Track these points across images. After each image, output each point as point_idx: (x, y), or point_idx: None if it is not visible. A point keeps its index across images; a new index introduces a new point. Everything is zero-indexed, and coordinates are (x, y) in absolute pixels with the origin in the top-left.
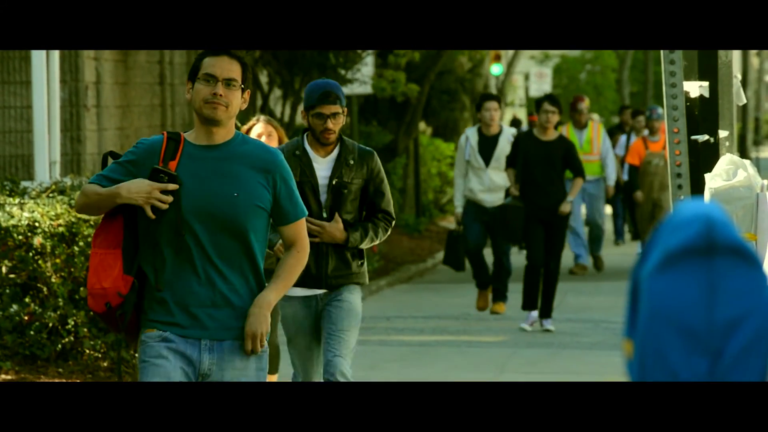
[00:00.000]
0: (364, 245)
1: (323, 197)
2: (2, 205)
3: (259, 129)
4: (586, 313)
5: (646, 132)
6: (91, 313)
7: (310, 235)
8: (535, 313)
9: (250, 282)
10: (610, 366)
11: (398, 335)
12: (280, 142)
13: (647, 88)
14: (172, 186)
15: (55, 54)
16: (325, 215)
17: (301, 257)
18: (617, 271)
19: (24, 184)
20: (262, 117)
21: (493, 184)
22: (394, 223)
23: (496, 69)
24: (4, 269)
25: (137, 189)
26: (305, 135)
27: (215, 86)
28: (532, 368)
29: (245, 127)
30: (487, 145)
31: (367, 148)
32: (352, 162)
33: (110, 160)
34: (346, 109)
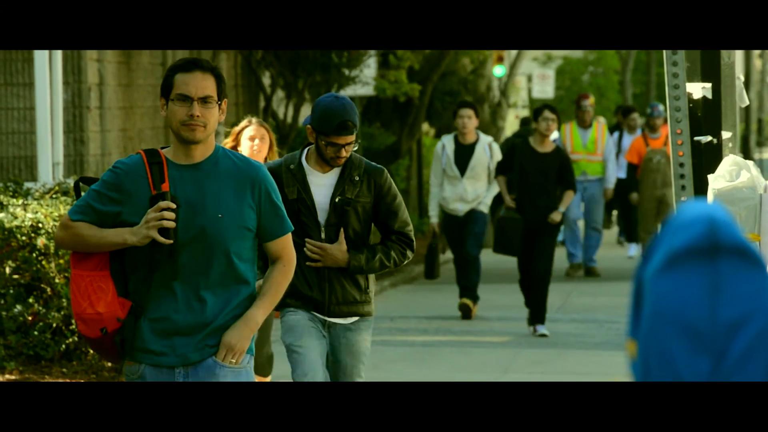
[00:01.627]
0: (372, 270)
1: (321, 216)
2: (6, 206)
3: (251, 132)
4: (591, 314)
5: (638, 131)
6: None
7: (311, 260)
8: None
9: (233, 305)
10: (614, 366)
11: (402, 335)
12: (271, 145)
13: (650, 89)
14: (166, 203)
15: (58, 56)
16: (323, 236)
17: (287, 271)
18: (621, 272)
19: (27, 185)
20: (254, 119)
21: (465, 193)
22: (414, 245)
23: (498, 70)
24: (7, 270)
25: (138, 226)
26: (306, 149)
27: (191, 107)
28: (536, 368)
29: (237, 129)
30: (464, 154)
31: (376, 164)
32: (357, 178)
33: (83, 187)
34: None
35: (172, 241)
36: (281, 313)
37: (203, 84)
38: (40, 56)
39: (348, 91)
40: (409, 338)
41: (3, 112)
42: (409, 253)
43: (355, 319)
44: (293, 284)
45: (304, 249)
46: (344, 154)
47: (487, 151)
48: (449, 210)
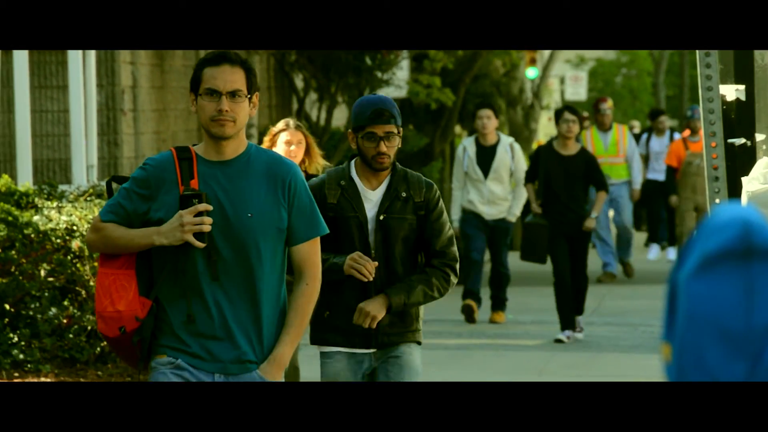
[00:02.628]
0: (416, 303)
1: (372, 236)
2: (40, 209)
3: (287, 136)
4: (625, 317)
5: (667, 133)
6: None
7: (356, 291)
8: (578, 326)
9: (264, 312)
10: (648, 369)
11: (436, 339)
12: (308, 149)
13: (683, 91)
14: (203, 206)
15: (92, 58)
16: (373, 255)
17: (311, 291)
18: (655, 275)
19: (61, 187)
20: (291, 122)
21: (492, 195)
22: (457, 267)
23: (531, 72)
24: (42, 273)
25: (170, 227)
26: (353, 161)
27: (220, 101)
28: (570, 371)
29: (275, 129)
30: (485, 156)
31: (426, 178)
32: (404, 194)
33: (115, 186)
34: (401, 129)
35: (205, 245)
36: (321, 357)
37: (232, 78)
38: (74, 59)
39: (380, 93)
40: (443, 341)
41: (37, 114)
42: (453, 279)
43: (404, 348)
44: (332, 316)
45: (348, 259)
46: (385, 149)
47: (509, 152)
48: (477, 213)
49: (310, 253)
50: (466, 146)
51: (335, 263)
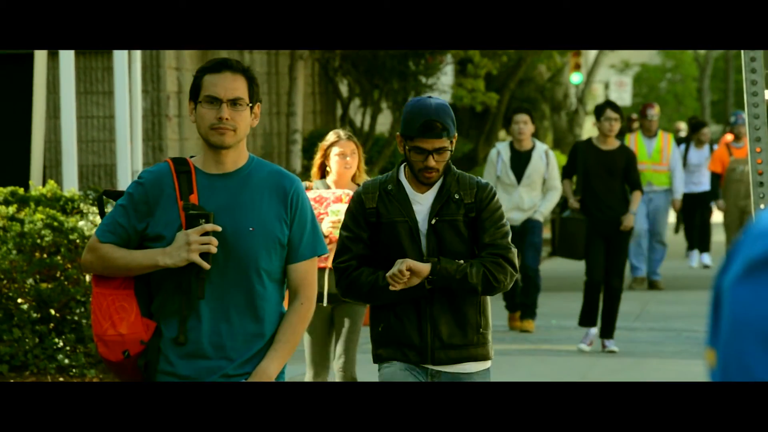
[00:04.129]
0: (468, 280)
1: (423, 241)
2: (86, 214)
3: (340, 148)
4: (668, 322)
5: (707, 146)
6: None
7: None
8: (593, 331)
9: (266, 328)
10: (692, 375)
11: None
12: (359, 160)
13: (728, 96)
14: (211, 227)
15: (137, 64)
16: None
17: (305, 311)
18: (698, 280)
19: None
20: (342, 133)
21: (522, 202)
22: (513, 257)
23: (576, 78)
24: (87, 278)
25: (176, 247)
26: (402, 166)
27: (219, 109)
28: (613, 377)
29: (325, 144)
30: (519, 161)
31: (481, 179)
32: (457, 197)
33: (107, 202)
34: (456, 136)
35: (209, 267)
36: (379, 369)
37: (233, 85)
38: (120, 64)
39: None
40: None
41: (83, 120)
42: (509, 268)
43: (468, 365)
44: (386, 328)
45: (387, 275)
46: (433, 164)
47: (544, 159)
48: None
49: (308, 272)
50: (500, 150)
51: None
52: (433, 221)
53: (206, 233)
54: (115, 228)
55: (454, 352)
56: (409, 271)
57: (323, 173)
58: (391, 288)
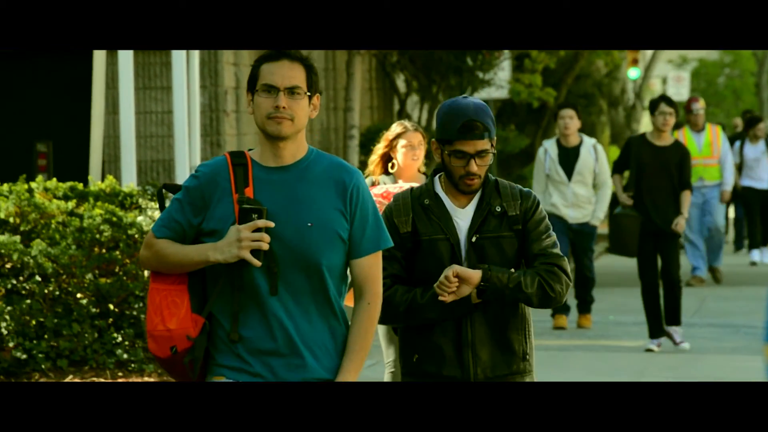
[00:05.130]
0: (523, 289)
1: (465, 261)
2: (144, 210)
3: (407, 139)
4: (727, 318)
5: (762, 142)
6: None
7: (441, 314)
8: (664, 338)
9: (324, 327)
10: (751, 371)
11: (537, 339)
12: (426, 153)
13: None
14: (264, 223)
15: (195, 59)
16: None
17: (373, 312)
18: (758, 276)
19: None
20: (409, 124)
21: (576, 198)
22: (566, 265)
23: (633, 73)
24: (146, 273)
25: (227, 243)
26: (438, 177)
27: (277, 98)
28: (671, 373)
29: (391, 134)
30: (568, 158)
31: (522, 188)
32: (499, 209)
33: (167, 196)
34: (495, 140)
35: (261, 264)
36: None
37: (290, 74)
38: (178, 60)
39: (482, 95)
40: (544, 342)
41: (141, 115)
42: (563, 277)
43: None
44: (422, 359)
45: (435, 286)
46: (475, 169)
47: (592, 154)
48: (559, 216)
49: (372, 267)
50: (547, 148)
51: (428, 300)
52: (474, 238)
53: (258, 229)
54: (170, 223)
55: (498, 379)
56: (457, 278)
57: (386, 166)
58: (441, 298)
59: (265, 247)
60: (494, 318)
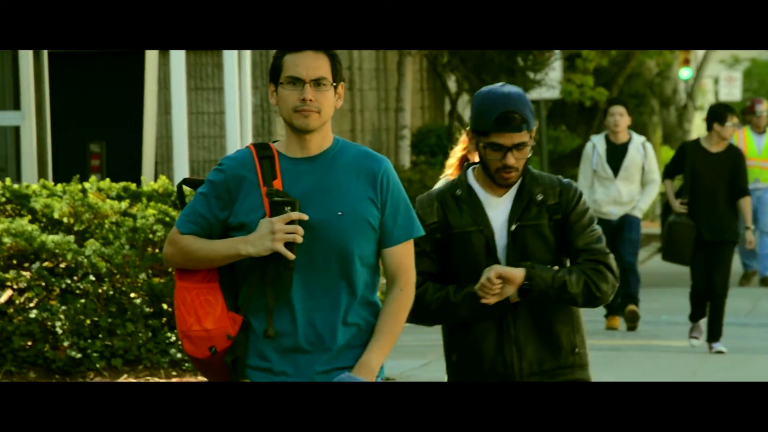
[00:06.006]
0: (568, 288)
1: (502, 253)
2: None
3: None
4: None
5: None
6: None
7: (481, 312)
8: (703, 323)
9: (354, 319)
10: None
11: (589, 339)
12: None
13: None
14: (297, 215)
15: (247, 60)
16: None
17: (405, 298)
18: None
19: None
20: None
21: (619, 196)
22: (612, 261)
23: (685, 73)
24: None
25: (259, 236)
26: (471, 169)
27: (303, 90)
28: (725, 374)
29: (467, 137)
30: (616, 154)
31: (563, 179)
32: (541, 197)
33: (186, 191)
34: (534, 131)
35: (294, 257)
36: None
37: (315, 64)
38: (230, 61)
39: (533, 95)
40: (596, 342)
41: (193, 116)
42: (608, 274)
43: None
44: (461, 358)
45: (476, 289)
46: (512, 162)
47: (641, 151)
48: (601, 214)
49: (405, 255)
50: (596, 143)
51: (467, 294)
52: (514, 227)
53: (292, 221)
54: (195, 218)
55: (547, 377)
56: (500, 279)
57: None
58: (483, 301)
59: (300, 239)
60: (539, 311)
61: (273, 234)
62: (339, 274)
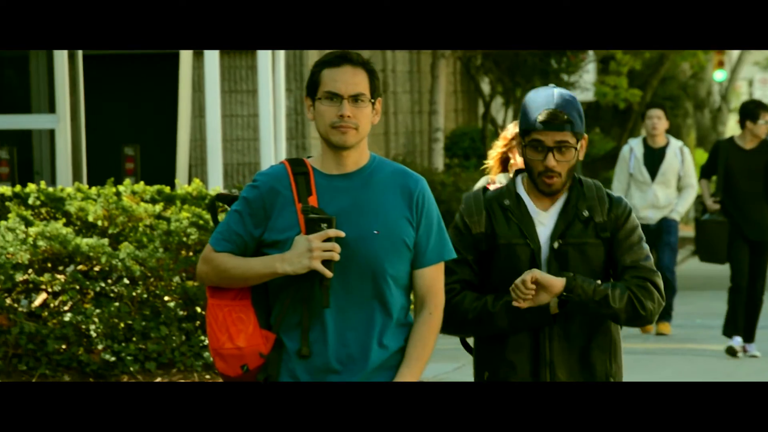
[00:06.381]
0: (610, 302)
1: (544, 268)
2: None
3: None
4: None
5: None
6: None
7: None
8: (738, 339)
9: (390, 341)
10: None
11: (624, 343)
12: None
13: None
14: (334, 232)
15: (281, 63)
16: None
17: (434, 322)
18: None
19: None
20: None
21: (657, 200)
22: (659, 280)
23: (719, 75)
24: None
25: (296, 254)
26: (519, 177)
27: (341, 106)
28: (760, 377)
29: (510, 134)
30: (653, 158)
31: (614, 194)
32: (586, 214)
33: (221, 208)
34: (586, 137)
35: (332, 275)
36: None
37: (354, 80)
38: (264, 64)
39: None
40: (630, 345)
41: (227, 119)
42: (655, 293)
43: None
44: (493, 377)
45: (510, 289)
46: (554, 164)
47: (678, 156)
48: (639, 219)
49: (435, 278)
50: (633, 147)
51: (503, 306)
52: (556, 244)
53: (329, 239)
54: (230, 236)
55: None
56: (535, 284)
57: (504, 166)
58: (514, 304)
59: (337, 257)
60: (577, 333)
61: (311, 252)
62: (372, 294)
